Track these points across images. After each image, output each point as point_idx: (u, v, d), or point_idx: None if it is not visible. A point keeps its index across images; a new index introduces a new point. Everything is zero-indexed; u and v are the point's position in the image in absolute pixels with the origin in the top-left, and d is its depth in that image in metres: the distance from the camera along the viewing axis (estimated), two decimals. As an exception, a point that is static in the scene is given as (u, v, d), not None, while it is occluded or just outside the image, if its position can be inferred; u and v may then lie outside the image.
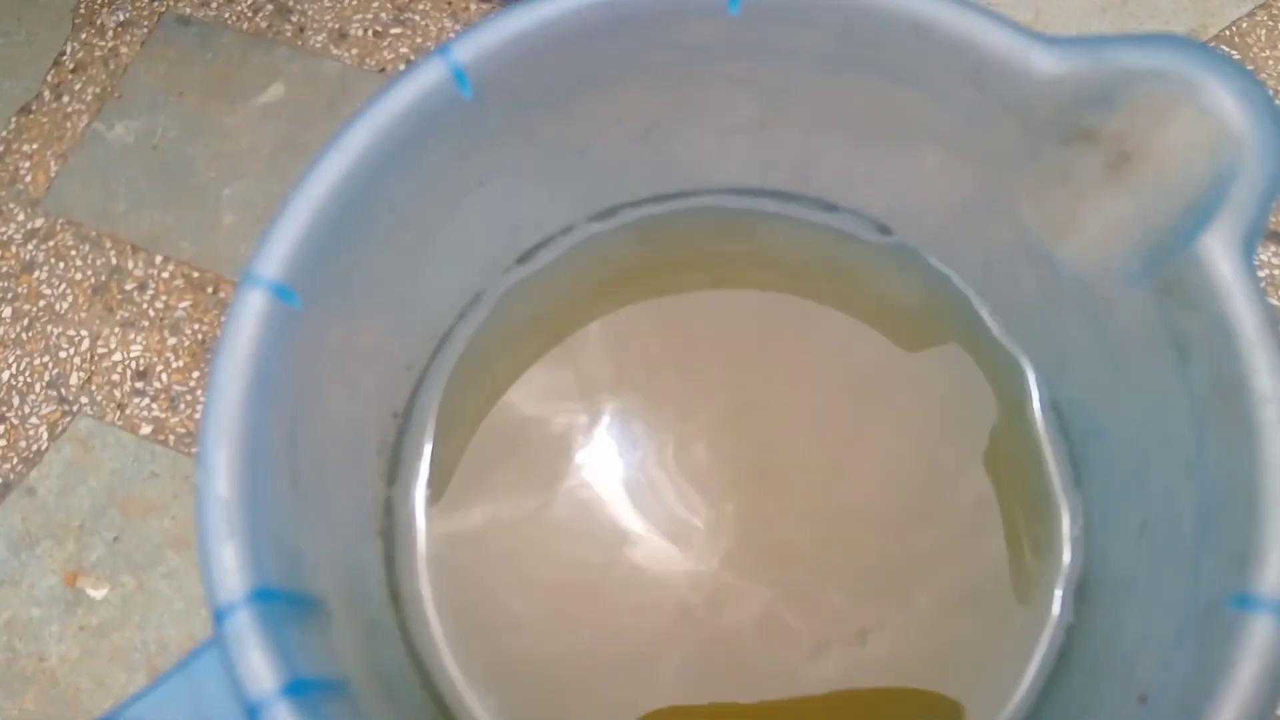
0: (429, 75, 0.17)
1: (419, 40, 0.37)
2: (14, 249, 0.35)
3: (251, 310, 0.15)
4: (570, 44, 0.18)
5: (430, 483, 0.21)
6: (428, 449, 0.21)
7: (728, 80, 0.19)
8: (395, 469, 0.21)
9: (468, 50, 0.17)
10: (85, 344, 0.34)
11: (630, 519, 0.21)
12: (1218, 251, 0.15)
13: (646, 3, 0.17)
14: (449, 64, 0.17)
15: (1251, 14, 0.36)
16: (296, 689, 0.14)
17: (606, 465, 0.22)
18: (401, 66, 0.37)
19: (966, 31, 0.16)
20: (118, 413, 0.33)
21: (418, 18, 0.37)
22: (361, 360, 0.19)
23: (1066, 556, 0.20)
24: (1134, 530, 0.17)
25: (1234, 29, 0.36)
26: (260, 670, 0.14)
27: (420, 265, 0.20)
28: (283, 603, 0.14)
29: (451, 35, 0.37)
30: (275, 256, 0.16)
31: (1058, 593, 0.19)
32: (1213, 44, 0.35)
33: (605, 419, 0.22)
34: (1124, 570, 0.18)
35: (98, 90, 0.38)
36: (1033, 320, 0.20)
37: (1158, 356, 0.16)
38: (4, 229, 0.36)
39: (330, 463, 0.18)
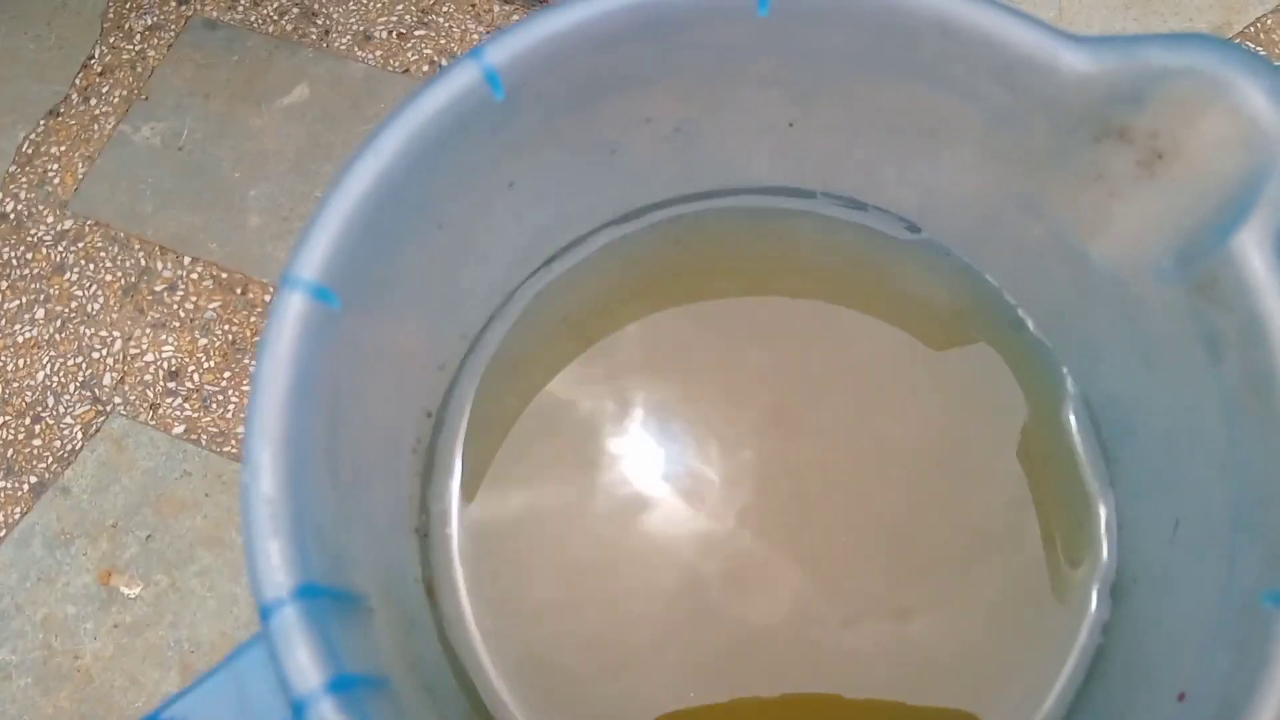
0: (462, 78, 0.17)
1: (443, 42, 0.38)
2: (44, 250, 0.36)
3: (292, 312, 0.16)
4: (600, 46, 0.18)
5: (463, 481, 0.21)
6: (460, 448, 0.21)
7: (756, 80, 0.19)
8: (430, 467, 0.21)
9: (500, 53, 0.17)
10: (117, 345, 0.34)
11: (659, 516, 0.21)
12: (1251, 249, 0.15)
13: (676, 5, 0.17)
14: (481, 66, 0.17)
15: (1276, 9, 0.36)
16: (341, 685, 0.14)
17: (636, 464, 0.22)
18: (425, 68, 0.37)
19: (995, 31, 0.16)
20: (150, 413, 0.34)
21: (441, 20, 0.38)
22: (397, 360, 0.19)
23: (1101, 553, 0.20)
24: (1168, 527, 0.17)
25: (1258, 25, 0.36)
26: (306, 667, 0.14)
27: (452, 266, 0.20)
28: (327, 599, 0.15)
29: (475, 37, 0.37)
30: (314, 258, 0.16)
31: (1093, 590, 0.19)
32: (1237, 40, 0.35)
33: (635, 420, 0.22)
34: (1159, 567, 0.18)
35: (125, 93, 0.38)
36: (1065, 317, 0.20)
37: (1190, 353, 0.16)
38: (34, 231, 0.36)
39: (368, 461, 0.18)
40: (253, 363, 0.34)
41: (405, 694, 0.16)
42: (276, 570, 0.14)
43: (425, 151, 0.17)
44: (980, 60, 0.16)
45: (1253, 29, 0.35)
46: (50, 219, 0.36)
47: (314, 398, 0.16)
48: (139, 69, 0.38)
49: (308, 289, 0.16)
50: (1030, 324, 0.21)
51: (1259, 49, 0.35)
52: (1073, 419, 0.21)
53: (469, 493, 0.21)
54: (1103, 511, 0.20)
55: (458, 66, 0.17)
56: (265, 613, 0.14)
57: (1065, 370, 0.21)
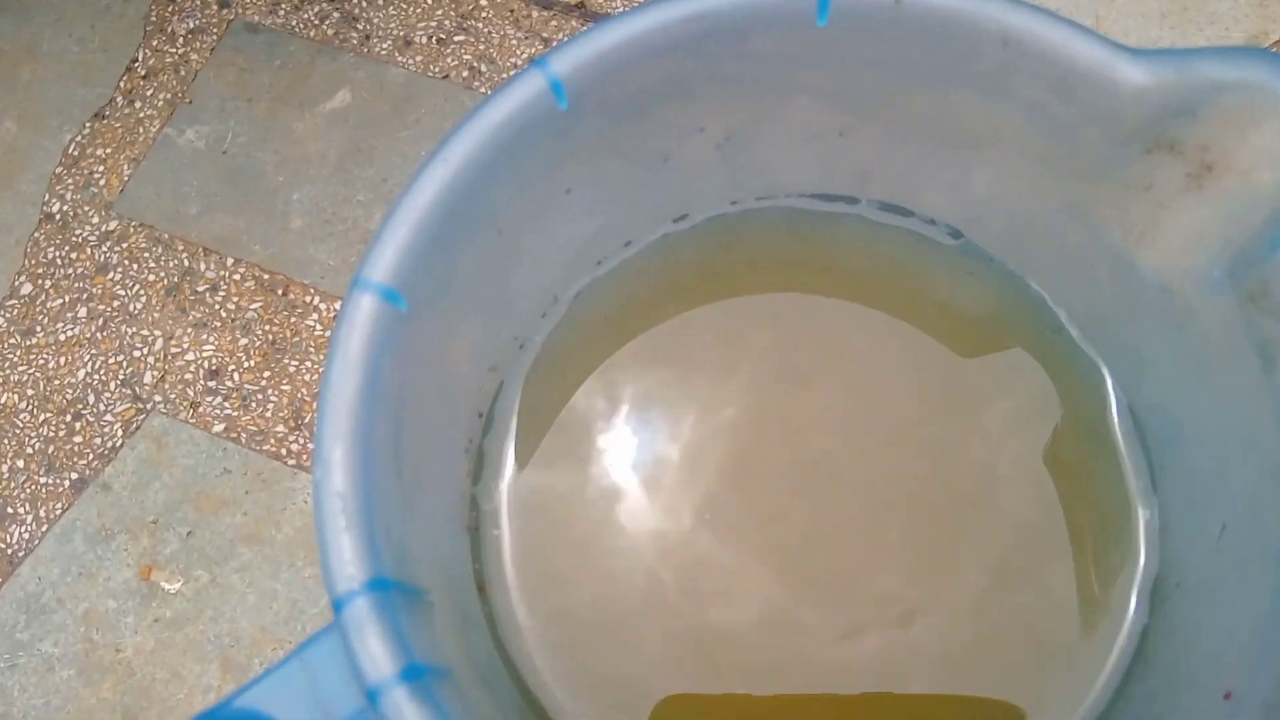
0: (528, 87, 0.17)
1: (481, 47, 0.38)
2: (89, 250, 0.36)
3: (363, 313, 0.16)
4: (660, 56, 0.18)
5: (511, 480, 0.22)
6: (510, 447, 0.22)
7: (810, 89, 0.20)
8: (480, 467, 0.21)
9: (565, 63, 0.17)
10: (159, 344, 0.35)
11: (689, 509, 0.22)
12: (1304, 260, 0.15)
13: (736, 16, 0.18)
14: (547, 76, 0.17)
15: (1311, 21, 0.36)
16: (412, 674, 0.14)
17: (678, 459, 0.22)
18: (465, 74, 0.38)
19: (1055, 44, 0.17)
20: (190, 411, 0.34)
21: (480, 25, 0.38)
22: (454, 361, 0.20)
23: (1141, 557, 0.20)
24: (1213, 533, 0.17)
25: (1293, 36, 0.36)
26: (379, 655, 0.14)
27: (508, 269, 0.20)
28: (395, 592, 0.15)
29: (514, 43, 0.38)
30: (384, 262, 0.16)
31: (1133, 593, 0.20)
32: (1274, 49, 0.35)
33: (674, 415, 0.23)
34: (1203, 572, 0.18)
35: (169, 96, 0.39)
36: (1110, 325, 0.20)
37: (1242, 363, 0.16)
38: (79, 231, 0.37)
39: (427, 460, 0.19)
40: (292, 362, 0.34)
41: (467, 685, 0.17)
42: (349, 564, 0.15)
43: (490, 159, 0.17)
44: (1039, 72, 0.17)
45: (1287, 41, 0.36)
46: (95, 220, 0.37)
47: (382, 397, 0.16)
48: (182, 72, 0.39)
49: (378, 291, 0.16)
50: (1074, 331, 0.22)
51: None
52: (1116, 425, 0.21)
53: (516, 492, 0.22)
54: (1144, 516, 0.20)
55: (523, 76, 0.17)
56: (338, 605, 0.15)
57: (1109, 377, 0.21)
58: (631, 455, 0.22)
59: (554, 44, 0.38)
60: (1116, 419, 0.21)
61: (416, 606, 0.16)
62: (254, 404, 0.34)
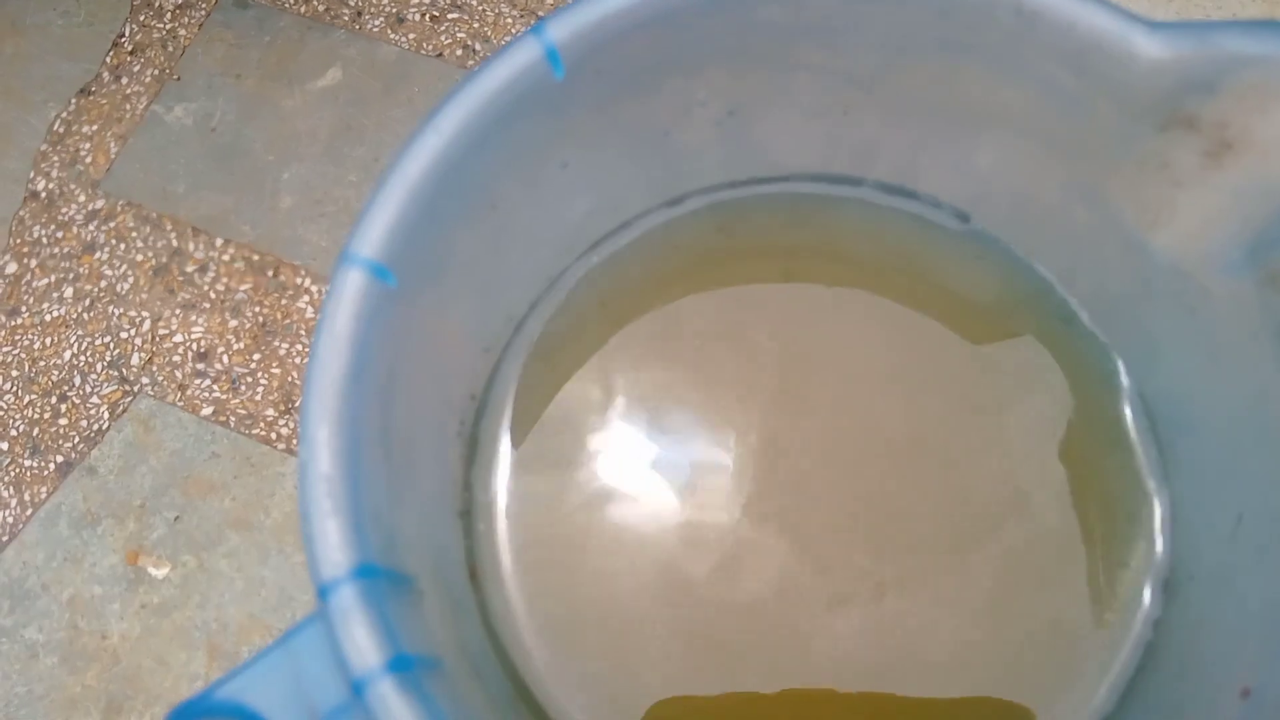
0: (523, 55, 0.17)
1: (476, 25, 0.37)
2: (75, 229, 0.36)
3: (351, 289, 0.15)
4: (660, 24, 0.17)
5: (505, 465, 0.21)
6: (504, 431, 0.21)
7: (814, 63, 0.19)
8: (473, 451, 0.21)
9: (561, 30, 0.17)
10: (146, 325, 0.34)
11: (690, 498, 0.21)
12: (1327, 241, 0.15)
13: (739, -15, 0.17)
14: (543, 43, 0.17)
15: (1320, 4, 0.35)
16: (400, 665, 0.14)
17: (672, 447, 0.22)
18: (459, 52, 0.37)
19: (1069, 14, 0.16)
20: (179, 394, 0.33)
21: (475, 2, 0.38)
22: (446, 341, 0.19)
23: (1155, 549, 0.19)
24: (1229, 523, 0.17)
25: (1302, 19, 0.35)
26: (365, 646, 0.14)
27: (502, 247, 0.20)
28: (383, 579, 0.15)
29: (509, 21, 0.37)
30: (373, 236, 0.16)
31: (1145, 585, 0.19)
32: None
33: (669, 402, 0.22)
34: (1218, 563, 0.17)
35: (156, 72, 0.38)
36: (1122, 310, 0.20)
37: (1258, 348, 0.16)
38: (65, 210, 0.36)
39: (417, 443, 0.18)
40: (282, 345, 0.34)
41: (457, 675, 0.16)
42: (335, 549, 0.14)
43: (484, 130, 0.17)
44: (1052, 43, 0.16)
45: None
46: (82, 198, 0.36)
47: (370, 376, 0.16)
48: (170, 48, 0.38)
49: (367, 266, 0.16)
50: (1084, 317, 0.21)
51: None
52: (1128, 413, 0.20)
53: (510, 477, 0.21)
54: (1157, 507, 0.20)
55: (519, 43, 0.17)
56: (323, 592, 0.14)
57: (1120, 364, 0.21)
58: (627, 445, 0.22)
59: (550, 22, 0.37)
60: (1128, 406, 0.20)
61: (405, 594, 0.16)
62: (243, 387, 0.34)
